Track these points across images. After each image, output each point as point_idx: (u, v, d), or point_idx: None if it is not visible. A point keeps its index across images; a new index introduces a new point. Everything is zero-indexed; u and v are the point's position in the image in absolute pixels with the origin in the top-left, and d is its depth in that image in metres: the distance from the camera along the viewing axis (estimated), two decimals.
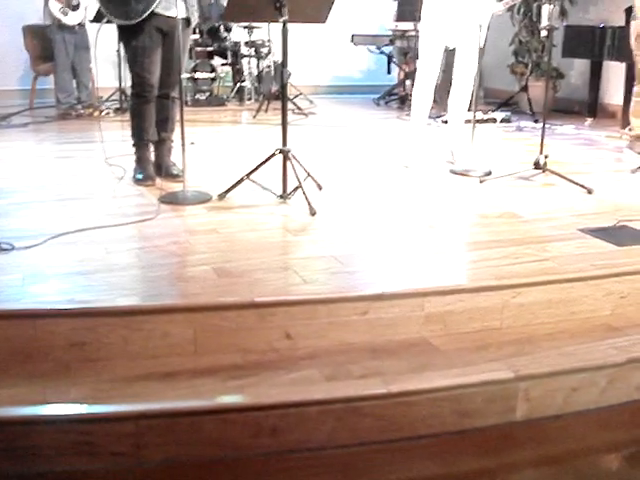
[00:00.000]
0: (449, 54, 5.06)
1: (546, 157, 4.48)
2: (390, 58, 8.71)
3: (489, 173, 4.65)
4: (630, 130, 5.63)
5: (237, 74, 8.38)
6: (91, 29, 6.92)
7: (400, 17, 8.24)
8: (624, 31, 5.93)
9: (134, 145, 4.35)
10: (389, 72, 8.90)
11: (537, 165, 4.50)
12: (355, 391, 2.37)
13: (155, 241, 3.24)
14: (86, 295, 2.64)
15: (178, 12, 3.75)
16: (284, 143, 3.89)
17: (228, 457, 2.29)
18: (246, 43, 8.16)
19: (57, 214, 3.63)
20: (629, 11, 6.06)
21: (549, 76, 5.11)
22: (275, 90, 7.69)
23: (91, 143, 4.85)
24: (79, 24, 6.92)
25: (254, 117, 7.21)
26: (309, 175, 4.04)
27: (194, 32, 7.56)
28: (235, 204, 3.86)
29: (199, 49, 8.02)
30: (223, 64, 8.33)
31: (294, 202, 3.85)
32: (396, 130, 6.44)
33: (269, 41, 8.06)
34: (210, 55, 8.21)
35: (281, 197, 3.88)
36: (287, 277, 2.84)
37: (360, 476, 2.26)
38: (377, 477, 2.27)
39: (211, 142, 5.78)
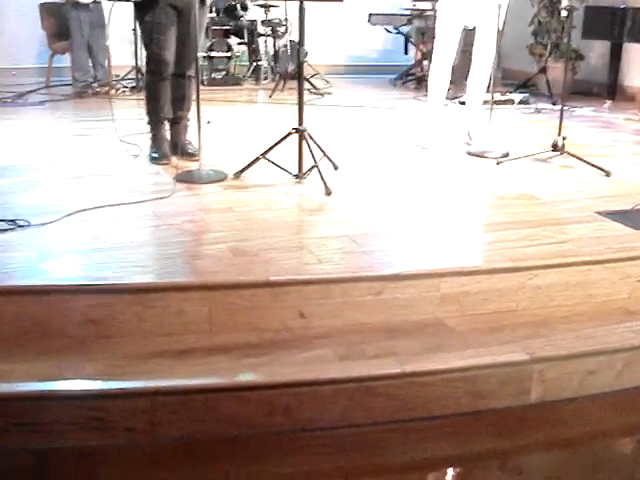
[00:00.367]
0: (467, 34, 5.00)
1: (564, 139, 4.44)
2: (407, 38, 8.64)
3: (506, 155, 4.61)
4: None
5: (253, 53, 8.34)
6: (107, 7, 6.88)
7: None
8: None
9: (149, 123, 4.35)
10: (406, 52, 8.83)
11: (555, 147, 4.46)
12: (369, 371, 2.37)
13: (170, 219, 3.24)
14: (101, 272, 2.64)
15: None
16: (300, 122, 3.87)
17: (242, 435, 2.30)
18: (263, 22, 8.10)
19: (73, 192, 3.64)
20: None
21: (568, 57, 5.06)
22: (291, 69, 7.65)
23: (107, 121, 4.83)
24: (94, 2, 6.88)
25: (270, 96, 7.18)
26: (325, 155, 4.02)
27: (210, 11, 7.52)
28: (251, 183, 3.85)
29: (215, 28, 7.97)
30: (239, 43, 8.28)
31: (310, 182, 3.84)
32: (413, 111, 6.39)
33: (286, 20, 8.01)
34: (226, 34, 8.16)
35: (297, 176, 3.87)
36: (302, 256, 2.83)
37: (373, 456, 2.27)
38: (390, 457, 2.27)
39: (227, 121, 5.76)
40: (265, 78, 8.27)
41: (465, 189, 3.97)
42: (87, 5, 6.87)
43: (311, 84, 7.55)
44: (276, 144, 3.90)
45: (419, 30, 8.45)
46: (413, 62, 8.75)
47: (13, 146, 4.72)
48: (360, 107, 6.74)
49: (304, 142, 3.85)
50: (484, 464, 2.36)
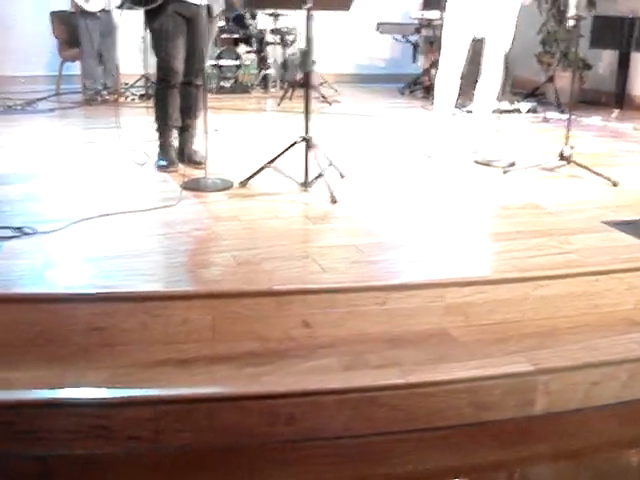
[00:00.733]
0: (476, 43, 5.00)
1: (572, 148, 4.43)
2: (416, 47, 8.65)
3: (513, 164, 4.60)
4: None
5: (262, 62, 8.35)
6: (117, 15, 6.93)
7: (426, 5, 8.16)
8: None
9: (157, 130, 4.37)
10: (414, 61, 8.83)
11: (562, 156, 4.45)
12: (372, 381, 2.36)
13: (176, 227, 3.25)
14: (106, 280, 2.65)
15: None
16: (306, 131, 3.87)
17: (244, 444, 2.29)
18: (271, 31, 8.12)
19: (80, 199, 3.66)
20: None
21: (576, 67, 5.05)
22: (300, 78, 7.66)
23: (115, 129, 4.86)
24: (104, 10, 6.92)
25: (278, 105, 7.19)
26: (331, 163, 4.03)
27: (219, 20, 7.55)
28: (257, 192, 3.86)
29: (224, 36, 8.00)
30: (248, 51, 8.30)
31: (316, 190, 3.84)
32: (420, 120, 6.39)
33: (294, 29, 8.03)
34: (235, 42, 8.19)
35: (303, 185, 3.87)
36: (306, 265, 2.83)
37: (375, 466, 2.26)
38: (393, 467, 2.26)
39: (235, 129, 5.77)
40: (274, 86, 8.28)
41: (471, 198, 3.96)
42: (96, 14, 6.91)
43: (319, 93, 7.56)
44: (282, 152, 3.91)
45: (427, 39, 8.45)
46: (421, 71, 8.75)
47: (21, 153, 4.74)
48: (368, 116, 6.75)
49: (310, 151, 3.86)
50: (487, 475, 2.35)
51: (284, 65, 8.27)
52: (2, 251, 2.88)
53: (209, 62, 7.56)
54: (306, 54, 3.86)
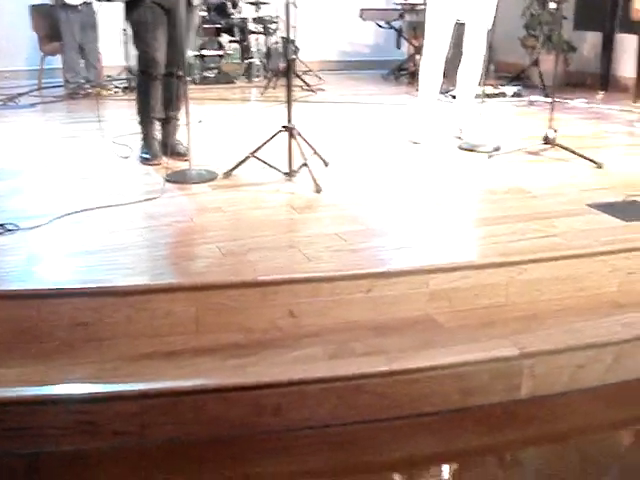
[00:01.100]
0: (459, 28, 4.99)
1: (555, 131, 4.43)
2: (399, 33, 8.62)
3: (498, 148, 4.60)
4: None
5: (245, 51, 8.31)
6: (98, 8, 6.88)
7: None
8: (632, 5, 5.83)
9: (140, 123, 4.34)
10: (398, 47, 8.80)
11: (546, 140, 4.45)
12: (358, 369, 2.37)
13: (160, 220, 3.24)
14: (90, 275, 2.64)
15: None
16: (289, 120, 3.86)
17: (231, 436, 2.30)
18: (254, 19, 8.09)
19: (63, 194, 3.63)
20: None
21: (560, 49, 5.04)
22: (283, 67, 7.63)
23: (98, 123, 4.83)
24: (84, 3, 6.87)
25: (262, 94, 7.16)
26: (315, 152, 4.02)
27: (201, 9, 7.51)
28: (241, 182, 3.85)
29: (206, 26, 7.95)
30: (231, 41, 8.27)
31: (300, 179, 3.83)
32: (405, 106, 6.38)
33: (277, 17, 7.99)
34: (218, 32, 8.15)
35: (287, 174, 3.86)
36: (291, 255, 2.83)
37: (362, 454, 2.27)
38: (380, 455, 2.27)
39: (219, 120, 5.75)
40: (257, 76, 8.25)
41: (456, 184, 3.96)
42: (77, 6, 6.85)
43: (303, 81, 7.54)
44: (265, 142, 3.89)
45: (411, 24, 8.43)
46: (405, 57, 8.73)
47: (2, 149, 4.70)
48: (353, 103, 6.73)
49: (294, 139, 3.84)
50: (475, 460, 2.36)
51: (267, 54, 8.24)
52: None
53: (192, 53, 7.52)
54: (288, 42, 3.84)
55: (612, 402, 2.59)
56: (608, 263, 2.91)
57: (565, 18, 7.01)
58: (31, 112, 6.24)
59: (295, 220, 3.31)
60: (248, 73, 8.26)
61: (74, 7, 6.84)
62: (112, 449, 2.24)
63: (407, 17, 8.32)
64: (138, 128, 4.36)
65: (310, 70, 8.15)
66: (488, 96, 6.45)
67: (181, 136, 4.33)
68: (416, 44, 8.21)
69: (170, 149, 4.23)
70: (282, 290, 2.61)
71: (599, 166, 4.21)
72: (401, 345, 2.50)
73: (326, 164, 4.11)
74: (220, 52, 7.97)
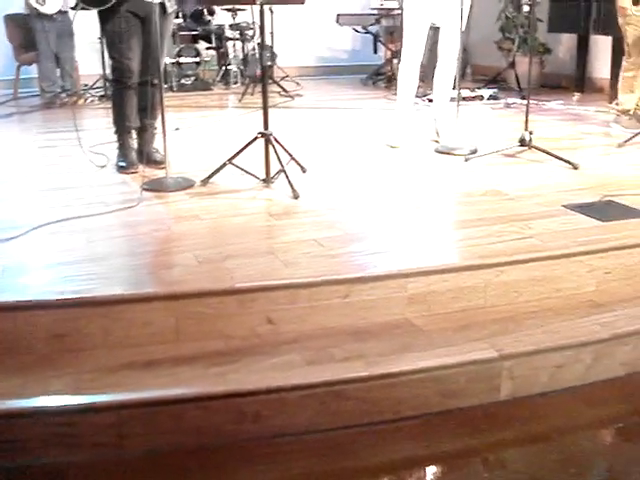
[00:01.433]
0: (435, 32, 5.02)
1: (531, 133, 4.46)
2: (376, 37, 8.66)
3: (475, 151, 4.62)
4: (617, 105, 5.59)
5: (222, 58, 8.32)
6: (75, 16, 6.85)
7: None
8: (610, 4, 5.87)
9: (116, 132, 4.32)
10: (375, 52, 8.85)
11: (522, 142, 4.48)
12: (337, 374, 2.36)
13: (137, 229, 3.22)
14: (67, 286, 2.62)
15: None
16: (265, 126, 3.85)
17: (211, 445, 2.28)
18: (230, 26, 8.09)
19: (39, 204, 3.61)
20: None
21: (534, 51, 5.08)
22: (260, 73, 7.63)
23: (74, 132, 4.80)
24: (60, 12, 6.84)
25: (240, 101, 7.16)
26: (292, 158, 4.01)
27: (177, 17, 7.50)
28: (218, 189, 3.84)
29: (183, 33, 7.95)
30: (208, 48, 8.27)
31: (277, 186, 3.83)
32: (383, 110, 6.40)
33: (254, 23, 8.00)
34: (194, 39, 8.15)
35: (264, 181, 3.86)
36: (269, 262, 2.82)
37: (344, 459, 2.26)
38: (361, 459, 2.26)
39: (196, 127, 5.74)
40: (235, 82, 8.25)
41: (433, 187, 3.97)
42: (52, 15, 6.82)
43: (281, 87, 7.55)
44: (242, 149, 3.88)
45: (387, 29, 8.48)
46: (383, 61, 8.77)
47: None
48: (331, 108, 6.74)
49: (270, 146, 3.84)
50: (456, 463, 2.36)
51: (244, 60, 8.24)
52: None
53: (168, 60, 7.51)
54: (263, 49, 3.84)
55: (592, 401, 2.59)
56: (585, 263, 2.93)
57: (540, 21, 7.07)
58: (7, 122, 6.21)
59: (273, 227, 3.30)
60: (225, 80, 8.25)
61: (49, 16, 6.82)
62: (91, 461, 2.22)
63: (383, 22, 8.37)
64: (114, 137, 4.34)
65: (287, 76, 8.16)
66: (465, 99, 6.49)
67: (158, 144, 4.32)
68: (393, 49, 8.25)
69: (147, 157, 4.21)
70: (260, 297, 2.60)
71: (575, 167, 4.23)
72: (380, 350, 2.50)
73: (304, 170, 4.11)
74: (197, 59, 7.96)
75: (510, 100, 6.96)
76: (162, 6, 3.98)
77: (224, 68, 8.24)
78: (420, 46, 4.84)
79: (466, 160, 4.47)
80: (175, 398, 2.27)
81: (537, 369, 2.54)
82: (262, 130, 3.85)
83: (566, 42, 7.84)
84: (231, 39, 8.24)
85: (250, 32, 8.11)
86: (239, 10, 7.92)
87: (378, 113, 6.34)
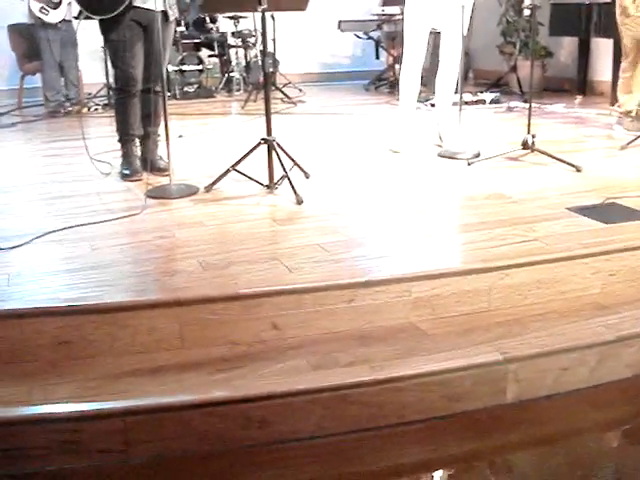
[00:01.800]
0: (436, 37, 5.03)
1: (534, 136, 4.46)
2: (378, 43, 8.68)
3: (477, 155, 4.62)
4: (619, 107, 5.60)
5: (225, 65, 8.34)
6: (79, 25, 6.87)
7: (386, 1, 8.21)
8: (610, 7, 5.88)
9: (120, 141, 4.34)
10: (377, 57, 8.86)
11: (525, 145, 4.48)
12: (342, 379, 2.36)
13: (141, 236, 3.23)
14: (72, 293, 2.63)
15: (156, 5, 3.72)
16: (269, 132, 3.87)
17: (217, 451, 2.28)
18: (233, 34, 8.11)
19: (44, 213, 3.63)
20: None
21: (535, 55, 5.09)
22: (263, 80, 7.65)
23: (79, 140, 4.81)
24: (63, 21, 6.86)
25: (243, 107, 7.18)
26: (296, 164, 4.02)
27: (179, 24, 7.53)
28: (222, 196, 3.85)
29: (185, 41, 7.97)
30: (210, 55, 8.30)
31: (281, 192, 3.84)
32: (386, 115, 6.41)
33: (256, 31, 8.02)
34: (197, 47, 8.17)
35: (268, 187, 3.86)
36: (273, 267, 2.82)
37: (350, 464, 2.26)
38: (367, 464, 2.26)
39: (200, 134, 5.76)
40: (238, 89, 8.26)
41: (436, 191, 3.97)
42: (55, 25, 6.85)
43: (283, 93, 7.57)
44: (245, 155, 3.89)
45: (389, 35, 8.49)
46: (385, 67, 8.78)
47: None
48: (333, 114, 6.75)
49: (274, 152, 3.85)
50: (462, 466, 2.36)
51: (247, 67, 8.26)
52: None
53: (171, 68, 7.53)
54: (265, 55, 3.85)
55: (598, 404, 2.59)
56: (589, 265, 2.93)
57: (542, 25, 7.08)
58: (12, 132, 6.23)
59: (277, 232, 3.31)
60: (228, 87, 8.27)
61: (54, 25, 6.85)
62: (97, 467, 2.22)
63: (385, 27, 8.38)
64: (118, 145, 4.36)
65: (290, 82, 8.18)
66: (467, 103, 6.49)
67: (161, 151, 4.33)
68: (395, 54, 8.26)
69: (150, 165, 4.23)
70: (265, 302, 2.60)
71: (578, 170, 4.24)
72: (385, 354, 2.50)
73: (307, 176, 4.12)
74: (200, 67, 7.98)
75: (512, 104, 6.96)
76: (164, 14, 4.00)
77: (227, 75, 8.26)
78: (421, 51, 4.85)
79: (469, 164, 4.48)
80: (181, 404, 2.28)
81: (542, 372, 2.54)
82: (265, 136, 3.86)
83: (567, 45, 7.84)
84: (233, 46, 8.26)
85: (252, 39, 8.13)
86: (241, 17, 7.94)
87: (381, 118, 6.35)
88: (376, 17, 8.37)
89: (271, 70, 7.38)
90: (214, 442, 2.28)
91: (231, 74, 8.25)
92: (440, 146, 4.96)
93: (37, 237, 3.20)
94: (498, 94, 7.32)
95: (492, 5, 7.79)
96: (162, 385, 2.35)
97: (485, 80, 8.30)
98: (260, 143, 3.87)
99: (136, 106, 4.22)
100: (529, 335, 2.63)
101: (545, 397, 2.56)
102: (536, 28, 4.73)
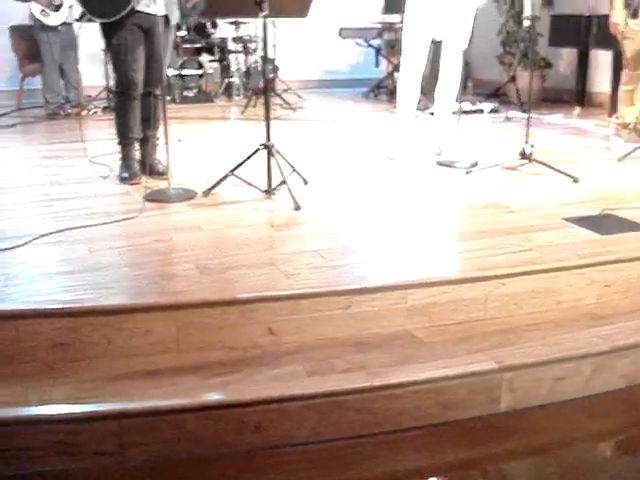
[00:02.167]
0: (436, 46, 5.05)
1: (532, 147, 4.48)
2: (378, 51, 8.71)
3: (475, 164, 4.64)
4: (617, 118, 5.62)
5: (225, 70, 8.36)
6: (78, 28, 6.89)
7: (387, 9, 8.24)
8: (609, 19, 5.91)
9: (119, 143, 4.34)
10: (377, 65, 8.89)
11: (523, 155, 4.50)
12: (338, 385, 2.36)
13: (139, 239, 3.24)
14: (69, 295, 2.63)
15: (158, 9, 3.74)
16: (268, 138, 3.88)
17: (212, 454, 2.28)
18: (233, 39, 8.14)
19: (42, 214, 3.63)
20: None
21: (535, 66, 5.11)
22: (263, 85, 7.67)
23: (78, 143, 4.83)
24: (64, 23, 6.87)
25: (242, 113, 7.20)
26: (294, 170, 4.03)
27: (179, 29, 7.54)
28: (220, 200, 3.85)
29: (186, 46, 7.99)
30: (211, 60, 8.31)
31: (279, 197, 3.85)
32: (385, 123, 6.41)
33: (256, 36, 8.04)
34: (197, 52, 8.19)
35: (266, 192, 3.87)
36: (270, 273, 2.83)
37: (344, 470, 2.26)
38: (362, 471, 2.26)
39: (199, 139, 5.77)
40: (237, 95, 8.29)
41: (434, 200, 3.98)
42: (56, 27, 6.86)
43: (282, 99, 7.58)
44: (244, 161, 3.91)
45: (389, 43, 8.53)
46: (384, 74, 8.80)
47: None
48: (332, 121, 6.77)
49: (272, 158, 3.86)
50: (457, 474, 2.36)
51: (247, 73, 8.28)
52: None
53: (172, 72, 7.55)
54: (265, 61, 3.87)
55: (592, 414, 2.60)
56: (585, 276, 2.94)
57: (541, 35, 7.12)
58: (11, 133, 6.23)
59: (274, 238, 3.32)
60: (228, 92, 8.29)
61: (54, 28, 6.85)
62: (92, 469, 2.22)
63: (385, 35, 8.41)
64: (117, 148, 4.36)
65: (290, 89, 8.19)
66: (466, 112, 6.52)
67: (160, 155, 4.34)
68: (394, 62, 8.28)
69: (149, 168, 4.23)
70: (261, 308, 2.61)
71: (575, 180, 4.25)
72: (381, 361, 2.51)
73: (305, 182, 4.13)
74: (200, 71, 8.00)
75: (511, 114, 6.98)
76: (166, 18, 4.01)
77: (227, 80, 8.28)
78: (420, 59, 4.86)
79: (467, 173, 4.49)
80: (176, 408, 2.28)
81: (537, 381, 2.55)
82: (264, 142, 3.87)
83: (567, 56, 7.88)
84: (234, 52, 8.28)
85: (253, 45, 8.15)
86: (242, 23, 7.96)
87: (379, 126, 6.36)
88: (377, 25, 8.40)
89: (271, 76, 7.41)
90: (209, 446, 2.28)
91: (231, 79, 8.27)
92: (438, 154, 4.97)
93: (35, 238, 3.21)
94: (497, 104, 7.36)
95: (492, 15, 7.83)
96: (158, 388, 2.35)
97: (484, 90, 8.32)
98: (259, 149, 3.88)
99: (136, 109, 4.23)
100: (524, 344, 2.64)
101: (539, 406, 2.56)
102: (536, 39, 4.76)
